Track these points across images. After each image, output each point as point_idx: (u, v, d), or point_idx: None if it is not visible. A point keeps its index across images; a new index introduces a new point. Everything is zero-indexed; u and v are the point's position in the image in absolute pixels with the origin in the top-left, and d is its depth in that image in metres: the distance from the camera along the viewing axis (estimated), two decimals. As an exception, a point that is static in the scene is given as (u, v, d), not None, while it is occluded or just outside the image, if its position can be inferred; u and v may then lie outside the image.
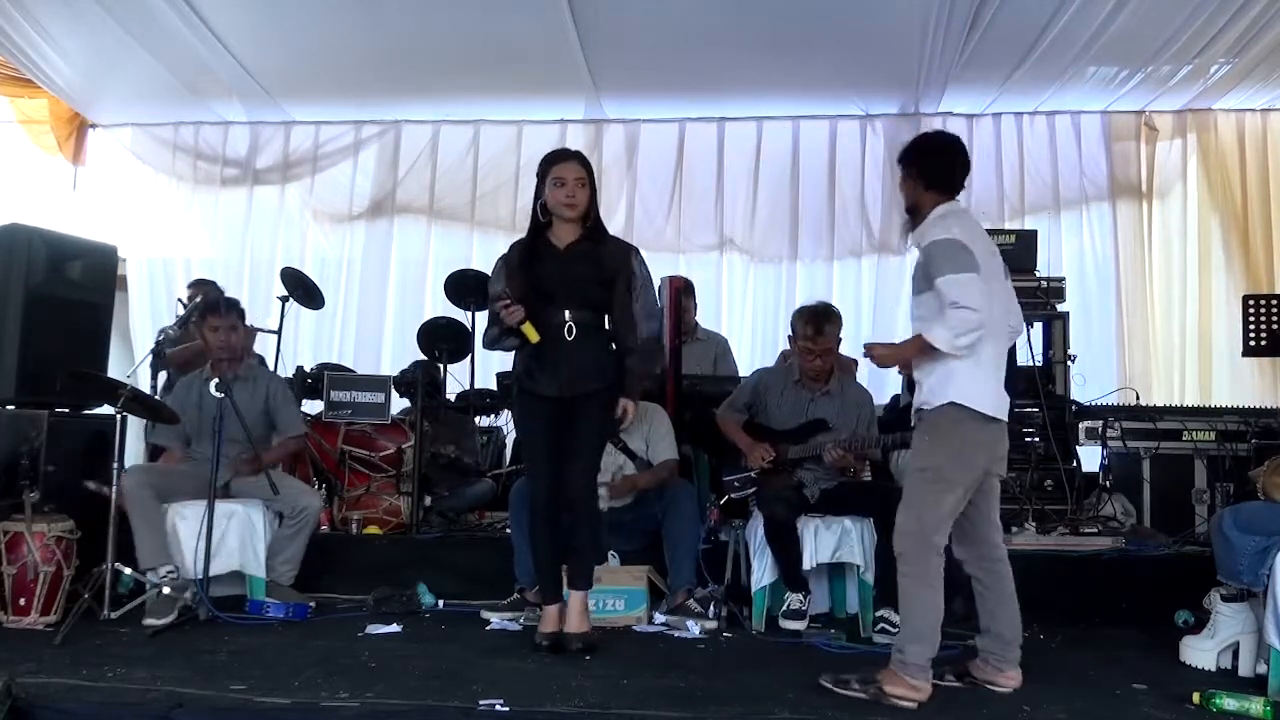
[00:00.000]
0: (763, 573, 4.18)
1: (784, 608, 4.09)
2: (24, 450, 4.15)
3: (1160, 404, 5.62)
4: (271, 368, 5.88)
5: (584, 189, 3.66)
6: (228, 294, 5.81)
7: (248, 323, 4.92)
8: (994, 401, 3.21)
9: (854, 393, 4.53)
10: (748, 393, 4.62)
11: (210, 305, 4.71)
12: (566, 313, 3.62)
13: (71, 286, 4.66)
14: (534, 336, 3.60)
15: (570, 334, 3.61)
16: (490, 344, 3.84)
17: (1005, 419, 3.25)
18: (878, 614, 3.97)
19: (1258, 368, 6.51)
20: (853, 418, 4.41)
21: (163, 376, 5.49)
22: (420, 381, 5.29)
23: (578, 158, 3.74)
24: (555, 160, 3.72)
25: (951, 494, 3.16)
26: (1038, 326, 5.58)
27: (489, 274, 6.03)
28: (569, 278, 3.65)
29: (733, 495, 4.47)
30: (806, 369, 4.42)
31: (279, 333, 5.96)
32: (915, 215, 3.39)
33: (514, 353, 3.80)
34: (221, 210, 7.65)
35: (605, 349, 3.71)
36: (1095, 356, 6.80)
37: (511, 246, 3.84)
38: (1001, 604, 3.28)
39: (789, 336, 4.70)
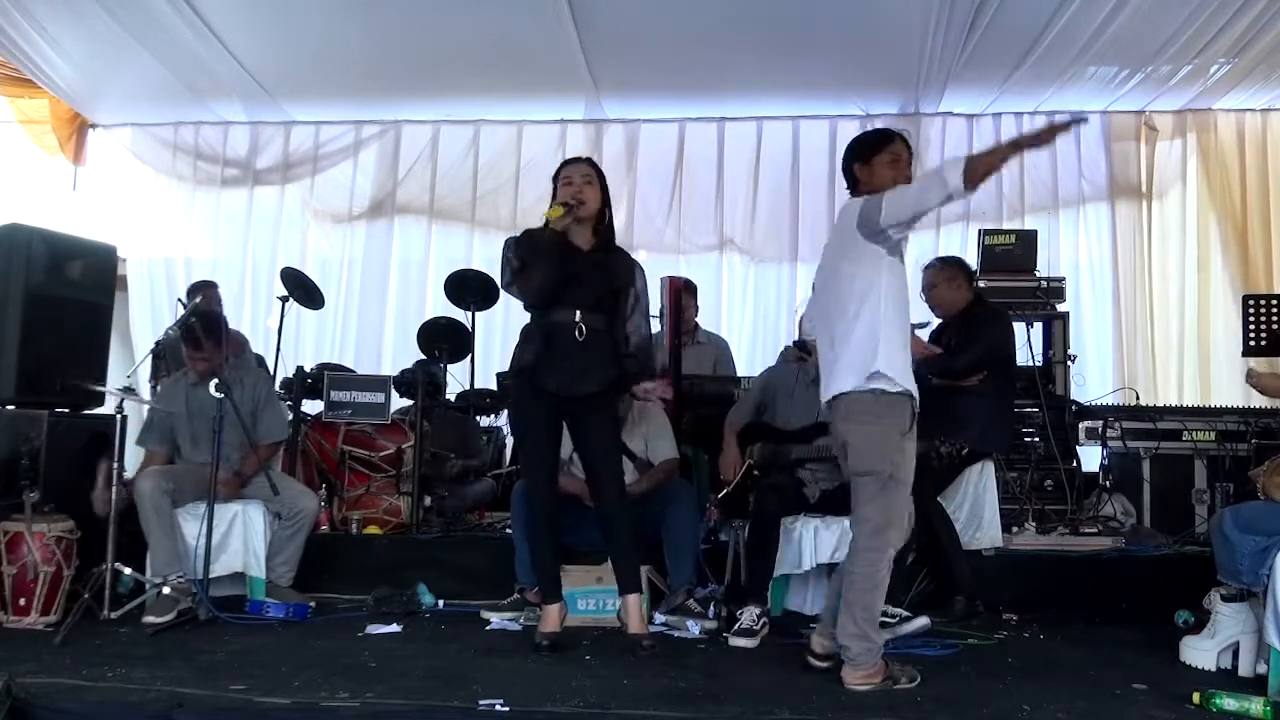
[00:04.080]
0: (761, 571, 4.16)
1: (735, 626, 3.86)
2: (24, 450, 4.14)
3: (1160, 404, 5.63)
4: (272, 368, 5.88)
5: (591, 186, 3.71)
6: (227, 293, 5.84)
7: (232, 327, 4.91)
8: None
9: None
10: (758, 392, 4.65)
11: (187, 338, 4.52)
12: (578, 314, 3.65)
13: (71, 286, 4.65)
14: (557, 213, 3.56)
15: (580, 335, 3.64)
16: (513, 280, 3.65)
17: None
18: (877, 613, 3.96)
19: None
20: None
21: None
22: (421, 382, 5.30)
23: (587, 161, 3.84)
24: (565, 165, 3.83)
25: None
26: (1038, 326, 5.60)
27: (489, 274, 6.14)
28: (585, 281, 3.67)
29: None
30: None
31: (277, 346, 5.96)
32: None
33: (518, 345, 3.77)
34: (222, 210, 7.65)
35: (609, 354, 3.73)
36: (1095, 356, 6.82)
37: (524, 231, 3.78)
38: None
39: (794, 342, 4.71)
